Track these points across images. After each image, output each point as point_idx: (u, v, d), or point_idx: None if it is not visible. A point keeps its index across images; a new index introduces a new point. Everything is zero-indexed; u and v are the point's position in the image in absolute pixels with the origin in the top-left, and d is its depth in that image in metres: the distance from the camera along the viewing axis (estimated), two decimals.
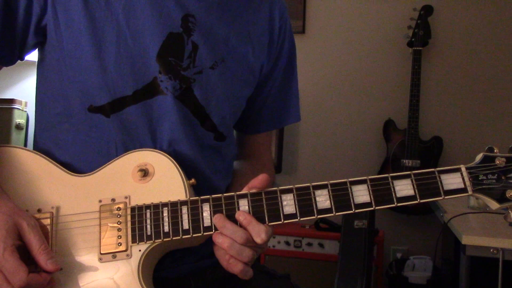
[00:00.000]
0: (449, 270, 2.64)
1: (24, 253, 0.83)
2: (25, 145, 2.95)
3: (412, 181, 0.86)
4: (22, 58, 1.01)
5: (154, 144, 0.99)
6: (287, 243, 2.71)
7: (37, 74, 1.06)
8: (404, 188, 0.86)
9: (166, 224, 0.88)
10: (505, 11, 2.99)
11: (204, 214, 0.88)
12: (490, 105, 3.01)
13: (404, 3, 3.05)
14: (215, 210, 0.88)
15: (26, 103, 3.05)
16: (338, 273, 2.17)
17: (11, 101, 2.93)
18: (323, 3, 3.20)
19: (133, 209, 0.90)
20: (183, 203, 0.89)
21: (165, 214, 0.89)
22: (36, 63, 1.05)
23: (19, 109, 2.97)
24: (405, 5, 3.03)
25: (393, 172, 0.88)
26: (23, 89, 3.24)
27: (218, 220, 0.87)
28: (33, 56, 1.02)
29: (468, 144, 3.00)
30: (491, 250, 1.73)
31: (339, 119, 3.17)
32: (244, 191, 0.90)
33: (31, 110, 3.07)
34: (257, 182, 0.89)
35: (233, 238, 0.86)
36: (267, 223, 0.87)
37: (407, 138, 2.88)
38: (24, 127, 3.03)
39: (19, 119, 2.97)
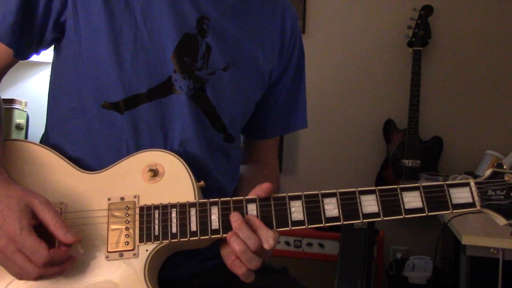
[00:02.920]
0: (449, 270, 2.65)
1: (40, 232, 0.83)
2: None
3: (420, 194, 0.87)
4: (38, 53, 1.02)
5: (165, 143, 1.00)
6: (287, 243, 2.71)
7: (51, 70, 1.07)
8: (412, 200, 0.87)
9: (174, 225, 0.88)
10: (505, 11, 3.00)
11: (212, 217, 0.88)
12: (490, 105, 3.02)
13: (404, 3, 3.06)
14: (224, 213, 0.88)
15: (26, 103, 3.04)
16: (338, 273, 2.17)
17: (11, 101, 2.92)
18: (323, 3, 3.20)
19: (141, 208, 0.90)
20: (192, 205, 0.89)
21: (174, 215, 0.89)
22: (52, 60, 1.06)
23: (19, 109, 2.96)
24: (405, 5, 3.04)
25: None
26: (23, 89, 3.23)
27: (236, 220, 0.87)
28: (34, 56, 1.03)
29: (468, 144, 3.00)
30: (491, 250, 1.74)
31: (339, 119, 3.17)
32: (252, 196, 0.90)
33: (31, 110, 3.06)
34: (261, 191, 0.89)
35: (247, 243, 0.86)
36: (274, 228, 0.88)
37: (407, 138, 2.88)
38: (24, 127, 3.02)
39: (19, 119, 2.96)
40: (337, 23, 3.18)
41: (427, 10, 2.93)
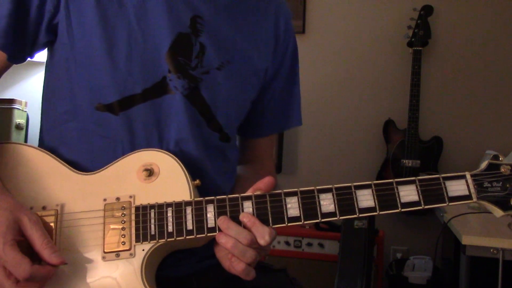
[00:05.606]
0: (449, 270, 2.65)
1: (27, 249, 0.83)
2: None
3: (416, 187, 0.86)
4: (32, 56, 1.02)
5: (161, 143, 0.99)
6: (287, 243, 2.71)
7: (45, 72, 1.06)
8: (408, 193, 0.86)
9: (170, 224, 0.88)
10: (505, 11, 3.00)
11: (208, 215, 0.88)
12: (490, 105, 3.02)
13: (404, 3, 3.06)
14: (219, 211, 0.88)
15: (26, 103, 3.04)
16: (338, 273, 2.18)
17: (11, 101, 2.93)
18: (323, 3, 3.21)
19: (137, 208, 0.90)
20: (188, 203, 0.89)
21: (170, 214, 0.88)
22: (45, 62, 1.06)
23: (19, 109, 2.97)
24: (405, 5, 3.04)
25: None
26: (23, 89, 3.23)
27: (223, 221, 0.87)
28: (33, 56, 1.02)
29: (468, 144, 3.00)
30: (491, 250, 1.74)
31: (339, 119, 3.17)
32: (248, 193, 0.89)
33: (31, 110, 3.07)
34: (262, 184, 0.89)
35: (237, 238, 0.85)
36: (271, 225, 0.87)
37: (407, 138, 2.88)
38: (24, 127, 3.02)
39: (19, 119, 2.96)
40: (337, 23, 3.19)
41: (427, 10, 2.94)
